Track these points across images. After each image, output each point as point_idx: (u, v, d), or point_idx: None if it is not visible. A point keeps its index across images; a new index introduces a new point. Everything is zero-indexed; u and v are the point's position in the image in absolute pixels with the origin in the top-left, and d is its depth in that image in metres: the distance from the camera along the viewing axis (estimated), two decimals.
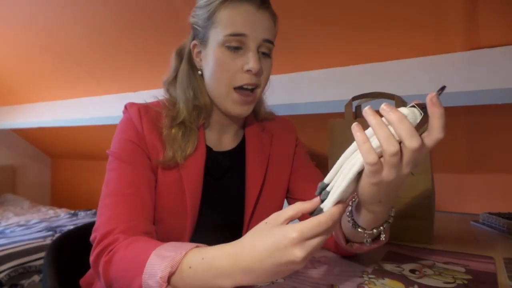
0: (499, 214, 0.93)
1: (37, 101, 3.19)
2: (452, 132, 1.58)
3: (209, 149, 0.77)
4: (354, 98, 0.90)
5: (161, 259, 0.50)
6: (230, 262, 0.46)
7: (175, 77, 0.78)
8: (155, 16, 1.76)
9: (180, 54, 0.79)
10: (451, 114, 1.49)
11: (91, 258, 0.60)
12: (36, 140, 3.63)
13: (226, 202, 0.79)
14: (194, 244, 0.51)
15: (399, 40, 1.45)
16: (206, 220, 0.75)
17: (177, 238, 0.72)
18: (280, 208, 0.84)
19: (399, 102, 0.81)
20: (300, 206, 0.47)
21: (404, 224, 0.80)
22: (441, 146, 1.60)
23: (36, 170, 3.79)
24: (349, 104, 0.88)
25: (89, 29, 2.07)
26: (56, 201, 3.76)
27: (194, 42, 0.75)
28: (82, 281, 0.79)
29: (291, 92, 1.74)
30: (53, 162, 3.92)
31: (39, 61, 2.60)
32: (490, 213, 0.95)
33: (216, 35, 0.69)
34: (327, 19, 1.48)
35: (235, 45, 0.68)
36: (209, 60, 0.71)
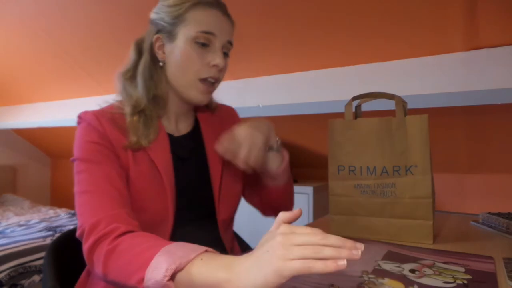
0: (499, 214, 0.93)
1: (37, 101, 3.19)
2: (452, 132, 1.58)
3: (170, 136, 0.82)
4: (354, 98, 0.90)
5: (170, 254, 0.51)
6: (236, 258, 0.49)
7: (133, 68, 0.81)
8: None
9: (139, 47, 0.82)
10: (451, 114, 1.49)
11: (85, 248, 0.61)
12: (36, 140, 3.63)
13: (196, 181, 0.83)
14: (204, 248, 0.52)
15: (399, 40, 1.45)
16: (182, 200, 0.78)
17: (161, 222, 0.75)
18: (241, 182, 0.91)
19: (399, 102, 0.81)
20: (281, 216, 0.51)
21: (404, 224, 0.80)
22: (441, 146, 1.60)
23: (36, 170, 3.80)
24: (349, 104, 0.88)
25: (89, 29, 2.07)
26: (56, 201, 3.76)
27: (158, 36, 0.79)
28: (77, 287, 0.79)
29: (291, 92, 1.74)
30: (53, 162, 3.92)
31: (40, 61, 2.60)
32: (490, 213, 0.95)
33: (187, 32, 0.76)
34: (327, 20, 1.48)
35: (203, 41, 0.76)
36: (177, 53, 0.77)
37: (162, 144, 0.78)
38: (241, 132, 0.73)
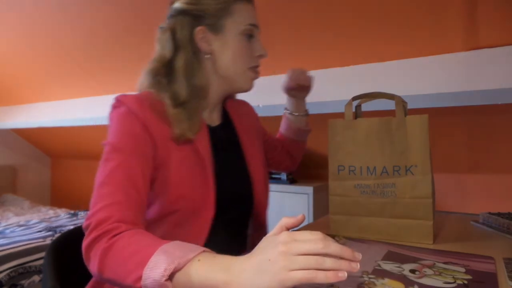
0: (499, 214, 0.93)
1: (37, 101, 3.19)
2: (452, 132, 1.58)
3: (207, 126, 0.83)
4: (354, 98, 0.90)
5: (168, 254, 0.51)
6: (234, 259, 0.50)
7: (170, 61, 0.79)
8: (155, 16, 1.76)
9: (174, 37, 0.79)
10: (451, 114, 1.49)
11: (84, 243, 0.60)
12: (36, 140, 3.63)
13: (235, 169, 0.85)
14: (202, 248, 0.52)
15: (399, 40, 1.45)
16: (222, 188, 0.78)
17: (202, 210, 0.75)
18: (266, 166, 0.99)
19: (399, 102, 0.81)
20: (284, 221, 0.52)
21: (404, 224, 0.80)
22: (441, 146, 1.60)
23: (36, 170, 3.79)
24: (349, 104, 0.88)
25: (89, 29, 2.07)
26: (56, 201, 3.76)
27: (201, 27, 0.78)
28: None
29: None
30: (53, 162, 3.92)
31: (40, 61, 2.60)
32: (490, 213, 0.94)
33: (236, 24, 0.79)
34: (327, 20, 1.48)
35: (250, 33, 0.81)
36: (228, 45, 0.79)
37: (203, 134, 0.79)
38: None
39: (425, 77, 1.44)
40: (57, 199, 3.80)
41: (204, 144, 0.78)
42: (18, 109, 3.35)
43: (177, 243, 0.54)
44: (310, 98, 1.70)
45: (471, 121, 1.52)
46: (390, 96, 0.83)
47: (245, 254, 0.51)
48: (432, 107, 1.38)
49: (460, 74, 1.37)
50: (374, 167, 0.83)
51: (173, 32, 0.79)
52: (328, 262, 0.44)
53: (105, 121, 2.63)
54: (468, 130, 1.56)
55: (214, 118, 0.87)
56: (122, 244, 0.57)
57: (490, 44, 1.33)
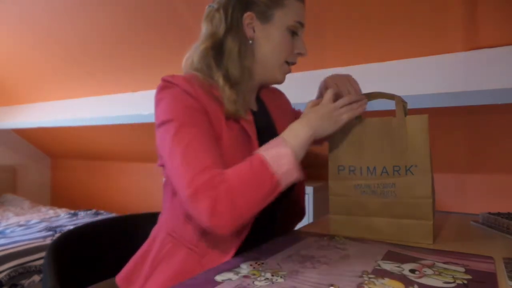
0: (499, 214, 0.93)
1: (37, 101, 3.19)
2: (452, 132, 1.58)
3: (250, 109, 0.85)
4: None
5: (272, 147, 0.68)
6: (302, 117, 0.75)
7: (221, 42, 0.79)
8: (155, 16, 1.76)
9: (226, 18, 0.80)
10: (451, 114, 1.49)
11: (204, 205, 0.63)
12: (36, 140, 3.63)
13: None
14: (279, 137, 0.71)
15: (400, 40, 1.45)
16: None
17: None
18: None
19: (399, 102, 0.81)
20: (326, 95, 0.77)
21: (404, 224, 0.80)
22: (441, 146, 1.60)
23: (36, 170, 3.79)
24: None
25: (89, 29, 2.07)
26: (56, 201, 3.76)
27: (250, 13, 0.79)
28: (119, 277, 0.80)
29: (291, 92, 1.74)
30: (53, 162, 3.92)
31: (39, 61, 2.60)
32: (490, 213, 0.95)
33: (285, 18, 0.80)
34: (327, 20, 1.48)
35: (295, 30, 0.82)
36: (272, 36, 0.81)
37: (248, 115, 0.81)
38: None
39: (425, 77, 1.44)
40: (57, 199, 3.80)
41: (250, 125, 0.80)
42: (18, 109, 3.35)
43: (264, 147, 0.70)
44: (310, 98, 1.69)
45: (471, 121, 1.52)
46: (390, 96, 0.83)
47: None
48: (432, 107, 1.38)
49: (460, 74, 1.37)
50: (374, 167, 0.83)
51: (226, 12, 0.79)
52: (359, 109, 0.76)
53: (104, 121, 2.62)
54: (468, 130, 1.56)
55: (252, 104, 0.88)
56: (232, 176, 0.65)
57: (490, 44, 1.33)
